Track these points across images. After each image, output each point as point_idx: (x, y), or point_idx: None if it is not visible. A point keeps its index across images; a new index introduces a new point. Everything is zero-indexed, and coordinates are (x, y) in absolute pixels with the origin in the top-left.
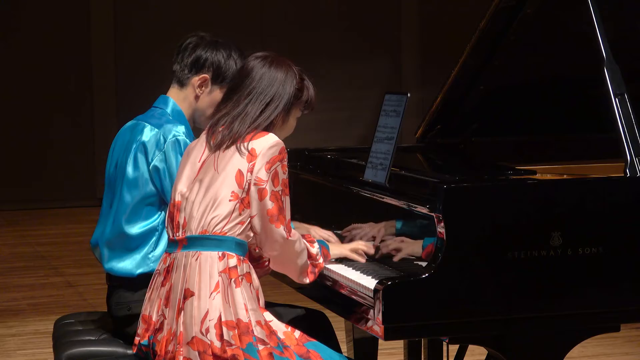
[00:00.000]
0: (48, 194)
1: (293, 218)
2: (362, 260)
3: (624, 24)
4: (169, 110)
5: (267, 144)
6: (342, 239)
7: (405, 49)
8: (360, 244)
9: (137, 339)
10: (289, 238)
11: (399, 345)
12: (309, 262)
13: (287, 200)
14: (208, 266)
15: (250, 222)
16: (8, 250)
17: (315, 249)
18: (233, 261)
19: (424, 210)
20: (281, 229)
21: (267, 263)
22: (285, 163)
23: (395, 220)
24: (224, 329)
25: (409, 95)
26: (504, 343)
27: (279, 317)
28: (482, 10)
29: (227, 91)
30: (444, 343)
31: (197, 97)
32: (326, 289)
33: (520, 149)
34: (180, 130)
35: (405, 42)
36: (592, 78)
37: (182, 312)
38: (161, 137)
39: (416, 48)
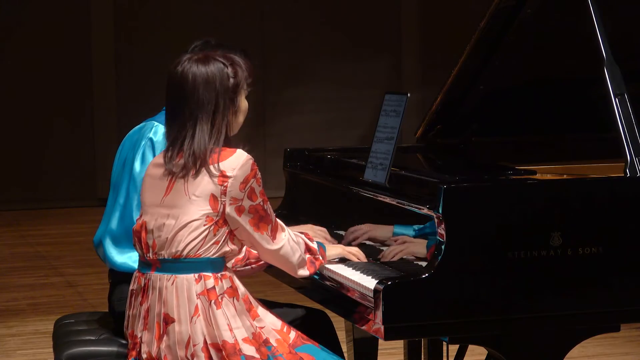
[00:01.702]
0: (48, 194)
1: (296, 219)
2: (357, 259)
3: (624, 24)
4: None
5: (237, 164)
6: (343, 240)
7: (405, 49)
8: (353, 249)
9: (128, 351)
10: (272, 247)
11: (399, 345)
12: (307, 257)
13: (268, 208)
14: (185, 290)
15: (228, 236)
16: (8, 250)
17: (315, 244)
18: (210, 282)
19: (424, 210)
20: (264, 236)
21: (262, 262)
22: (259, 176)
23: (394, 225)
24: (212, 351)
25: (409, 95)
26: (504, 343)
27: (279, 316)
28: (482, 10)
29: (169, 109)
30: (444, 343)
31: None
32: (326, 289)
33: (520, 149)
34: None
35: (405, 42)
36: (592, 78)
37: (165, 336)
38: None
39: (416, 48)
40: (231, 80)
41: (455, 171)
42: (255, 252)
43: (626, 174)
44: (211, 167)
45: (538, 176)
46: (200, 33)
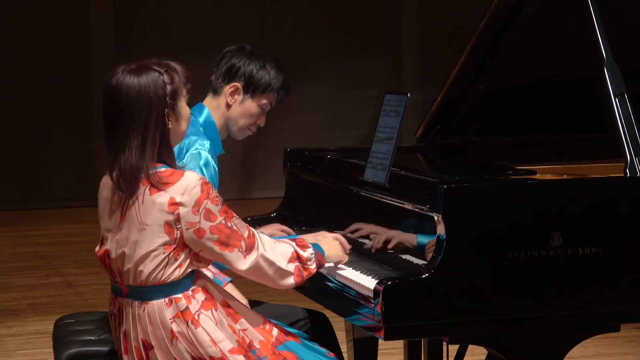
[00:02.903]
0: (48, 194)
1: (296, 219)
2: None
3: (624, 24)
4: (201, 119)
5: (185, 188)
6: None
7: (405, 49)
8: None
9: None
10: (243, 265)
11: (399, 345)
12: (294, 265)
13: (234, 223)
14: (157, 316)
15: (192, 258)
16: (8, 250)
17: (307, 253)
18: (182, 303)
19: (424, 210)
20: (235, 253)
21: None
22: (214, 195)
23: (410, 233)
24: None
25: (409, 95)
26: (504, 343)
27: (269, 314)
28: (482, 10)
29: (106, 123)
30: (444, 343)
31: (228, 106)
32: (326, 289)
33: (520, 149)
34: (205, 145)
35: (405, 42)
36: (592, 78)
37: None
38: (184, 148)
39: (416, 48)
40: (168, 87)
41: (455, 171)
42: None
43: (626, 174)
44: (159, 195)
45: (538, 176)
46: (200, 33)
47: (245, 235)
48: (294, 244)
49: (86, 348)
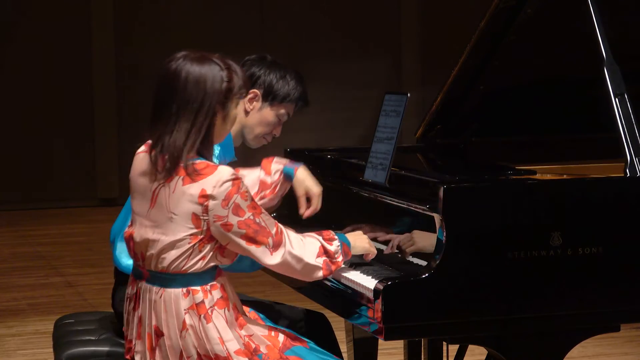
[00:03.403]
0: (48, 194)
1: (296, 219)
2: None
3: (624, 24)
4: None
5: (217, 181)
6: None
7: (405, 49)
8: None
9: (125, 351)
10: (272, 260)
11: (399, 345)
12: (322, 259)
13: (262, 220)
14: (173, 305)
15: (217, 251)
16: (8, 250)
17: (334, 246)
18: (199, 296)
19: (423, 210)
20: (261, 249)
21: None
22: (244, 189)
23: (401, 226)
24: None
25: (409, 95)
26: (504, 343)
27: (269, 314)
28: (482, 10)
29: (156, 104)
30: (443, 343)
31: (246, 113)
32: (326, 289)
33: (520, 149)
34: (214, 150)
35: (405, 42)
36: (592, 78)
37: (158, 348)
38: None
39: (416, 48)
40: (224, 84)
41: (455, 171)
42: (266, 180)
43: (626, 174)
44: (191, 186)
45: (538, 176)
46: (200, 33)
47: (273, 232)
48: (320, 238)
49: (86, 348)
